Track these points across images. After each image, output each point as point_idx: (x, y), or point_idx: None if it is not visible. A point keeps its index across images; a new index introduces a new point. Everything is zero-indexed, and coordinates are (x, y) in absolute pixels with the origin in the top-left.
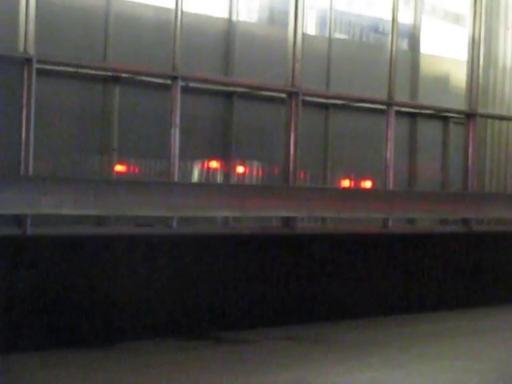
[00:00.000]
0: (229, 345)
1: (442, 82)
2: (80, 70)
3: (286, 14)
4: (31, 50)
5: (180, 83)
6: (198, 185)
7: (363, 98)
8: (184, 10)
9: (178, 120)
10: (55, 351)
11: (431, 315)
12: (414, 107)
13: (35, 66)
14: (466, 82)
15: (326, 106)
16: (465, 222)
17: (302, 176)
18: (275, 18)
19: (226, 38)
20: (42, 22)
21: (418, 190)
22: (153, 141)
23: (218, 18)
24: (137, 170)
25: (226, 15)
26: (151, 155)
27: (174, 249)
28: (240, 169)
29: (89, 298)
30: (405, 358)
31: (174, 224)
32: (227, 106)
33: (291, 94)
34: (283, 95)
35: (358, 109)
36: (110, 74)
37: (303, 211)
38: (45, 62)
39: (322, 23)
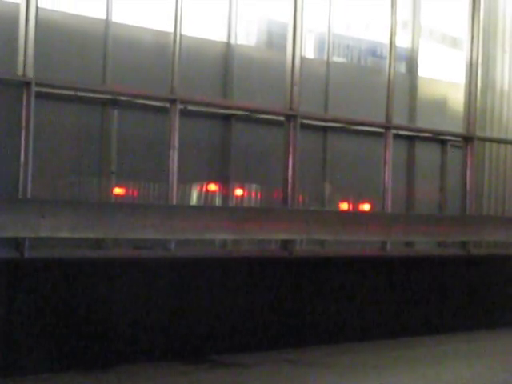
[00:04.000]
0: (226, 368)
1: (439, 105)
2: (79, 93)
3: (285, 37)
4: (30, 74)
5: (178, 106)
6: (197, 208)
7: (361, 121)
8: (183, 33)
9: (176, 143)
10: (53, 375)
11: (429, 338)
12: (411, 130)
13: (34, 89)
14: (464, 105)
15: (324, 129)
16: (463, 245)
17: (300, 199)
18: (273, 42)
19: (225, 62)
20: (40, 45)
21: (417, 213)
22: (151, 164)
23: (216, 42)
24: (135, 192)
25: (224, 39)
26: (150, 178)
27: (173, 272)
28: (239, 191)
29: (87, 321)
30: (401, 382)
31: (173, 247)
32: (226, 128)
33: (289, 117)
34: (282, 118)
35: (357, 132)
36: (108, 97)
37: (302, 234)
38: (43, 85)
39: (320, 47)
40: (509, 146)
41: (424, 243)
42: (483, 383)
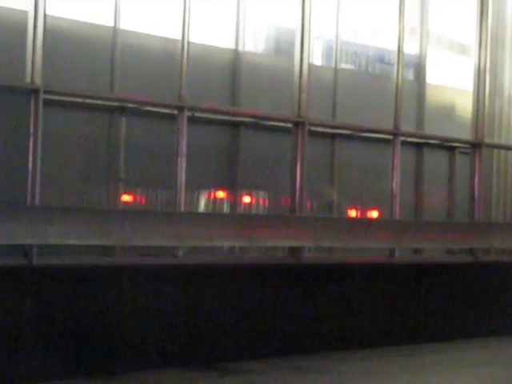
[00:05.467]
0: (235, 375)
1: (447, 112)
2: (87, 101)
3: (292, 44)
4: (38, 81)
5: (186, 113)
6: (205, 215)
7: (369, 128)
8: (190, 40)
9: (184, 150)
10: (59, 382)
11: (437, 345)
12: (420, 137)
13: (42, 96)
14: (472, 111)
15: (332, 136)
16: (471, 251)
17: (308, 206)
18: (281, 49)
19: (233, 69)
20: (49, 52)
21: (425, 220)
22: (159, 171)
23: (224, 49)
24: (143, 200)
25: (232, 46)
26: (158, 185)
27: (181, 279)
28: (247, 199)
29: (94, 328)
30: None
31: (181, 254)
32: (234, 136)
33: (297, 124)
34: (290, 125)
35: (365, 139)
36: (116, 104)
37: (310, 241)
38: (52, 93)
39: (328, 53)
40: None
41: (432, 250)
42: None
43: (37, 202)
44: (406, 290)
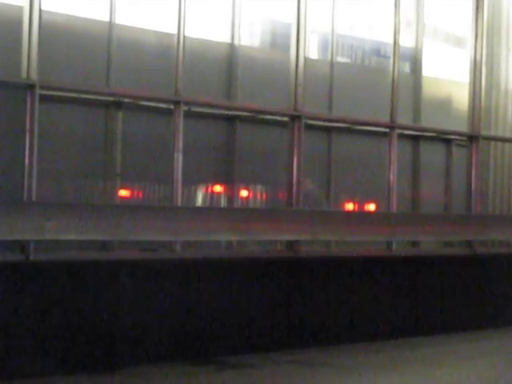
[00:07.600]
0: (233, 369)
1: (444, 105)
2: (83, 96)
3: (288, 38)
4: (34, 76)
5: (182, 108)
6: (202, 209)
7: (366, 121)
8: (186, 34)
9: (180, 144)
10: (58, 377)
11: (435, 338)
12: (416, 130)
13: (38, 91)
14: (469, 104)
15: (328, 130)
16: (469, 244)
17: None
18: (277, 42)
19: (229, 63)
20: (44, 48)
21: (422, 213)
22: (156, 165)
23: (220, 43)
24: (140, 194)
25: (228, 40)
26: (154, 180)
27: (178, 273)
28: (243, 193)
29: (93, 323)
30: (407, 382)
31: (178, 248)
32: (230, 130)
33: (294, 118)
34: (286, 119)
35: (361, 132)
36: (112, 99)
37: (307, 235)
38: (47, 88)
39: (323, 47)
40: None
41: (429, 243)
42: (488, 383)
43: (33, 197)
44: (403, 283)
